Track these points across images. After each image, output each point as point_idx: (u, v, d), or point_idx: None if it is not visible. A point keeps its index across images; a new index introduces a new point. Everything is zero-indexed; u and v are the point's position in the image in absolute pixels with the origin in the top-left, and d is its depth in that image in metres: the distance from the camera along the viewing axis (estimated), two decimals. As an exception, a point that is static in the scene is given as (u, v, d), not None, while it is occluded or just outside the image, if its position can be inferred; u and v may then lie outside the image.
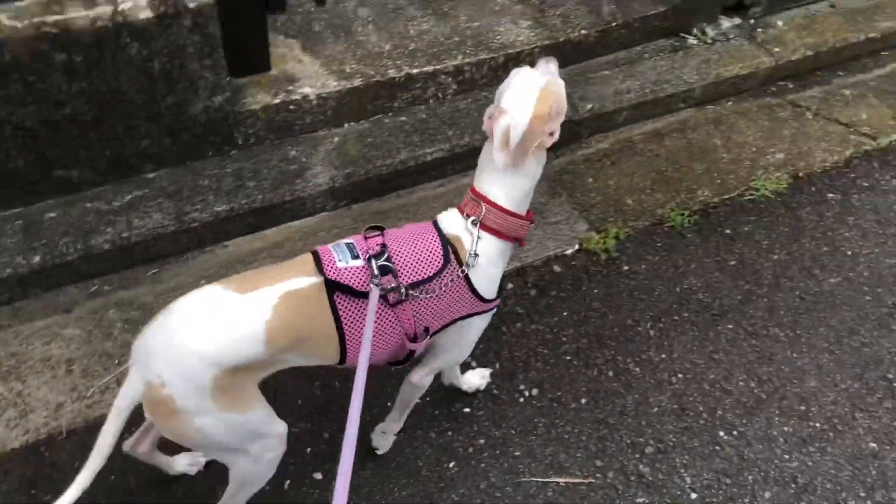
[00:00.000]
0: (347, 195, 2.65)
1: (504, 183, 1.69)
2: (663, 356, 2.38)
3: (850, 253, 2.73)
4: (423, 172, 2.73)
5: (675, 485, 2.10)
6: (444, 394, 2.22)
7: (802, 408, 2.30)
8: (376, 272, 1.59)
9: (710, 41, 3.34)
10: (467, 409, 2.20)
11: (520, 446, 2.14)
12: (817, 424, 2.27)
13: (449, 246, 1.68)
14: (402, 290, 1.60)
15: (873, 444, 2.24)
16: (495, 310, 1.82)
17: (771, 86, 3.39)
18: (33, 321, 2.26)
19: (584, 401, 2.25)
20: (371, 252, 1.62)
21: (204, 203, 2.48)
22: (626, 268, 2.61)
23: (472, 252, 1.67)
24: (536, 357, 2.33)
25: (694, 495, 2.09)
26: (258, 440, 1.62)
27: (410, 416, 2.05)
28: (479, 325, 1.82)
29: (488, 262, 1.71)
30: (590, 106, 2.97)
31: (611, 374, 2.33)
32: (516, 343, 2.36)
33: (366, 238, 1.67)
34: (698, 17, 3.33)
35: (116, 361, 2.21)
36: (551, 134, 1.69)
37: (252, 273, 1.66)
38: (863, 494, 2.13)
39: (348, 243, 1.66)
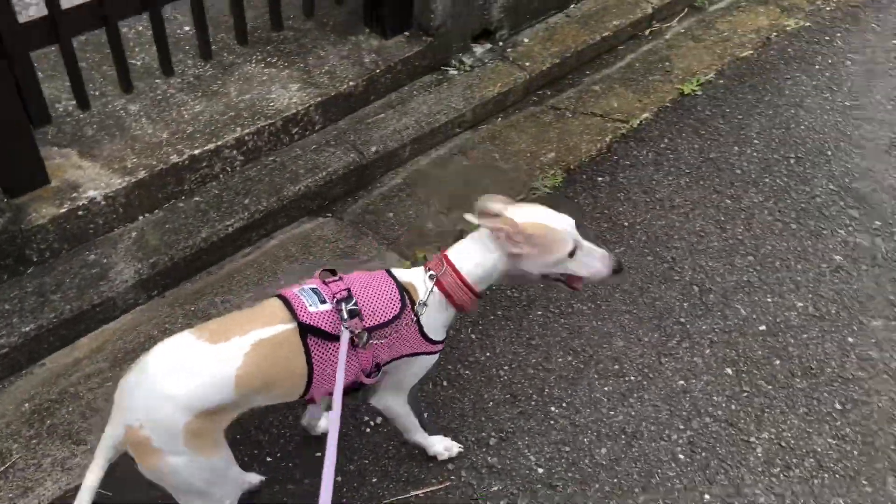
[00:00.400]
0: (157, 284, 2.67)
1: (470, 258, 1.89)
2: (488, 354, 2.57)
3: (626, 224, 3.06)
4: (227, 245, 2.81)
5: (522, 465, 2.28)
6: (293, 445, 2.29)
7: (616, 367, 2.56)
8: (346, 315, 1.74)
9: (469, 69, 3.64)
10: (319, 454, 2.28)
11: (375, 473, 2.24)
12: (632, 377, 2.53)
13: (405, 292, 1.85)
14: (365, 337, 1.76)
15: (682, 382, 2.53)
16: (439, 354, 2.00)
17: (531, 96, 3.73)
18: None
19: (426, 414, 2.38)
20: (339, 296, 1.76)
21: (9, 327, 2.43)
22: (438, 285, 2.79)
23: (423, 301, 1.85)
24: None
25: (541, 470, 2.27)
26: (220, 485, 1.77)
27: (268, 476, 2.12)
28: (425, 362, 1.98)
29: (435, 311, 1.88)
30: (374, 148, 3.16)
31: (445, 383, 2.49)
32: (352, 380, 2.47)
33: (325, 283, 1.80)
34: (453, 49, 3.63)
35: (-53, 510, 2.11)
36: (516, 244, 1.83)
37: (223, 321, 1.78)
38: (682, 427, 2.41)
39: (313, 288, 1.79)
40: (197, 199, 2.87)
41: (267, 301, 1.80)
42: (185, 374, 1.65)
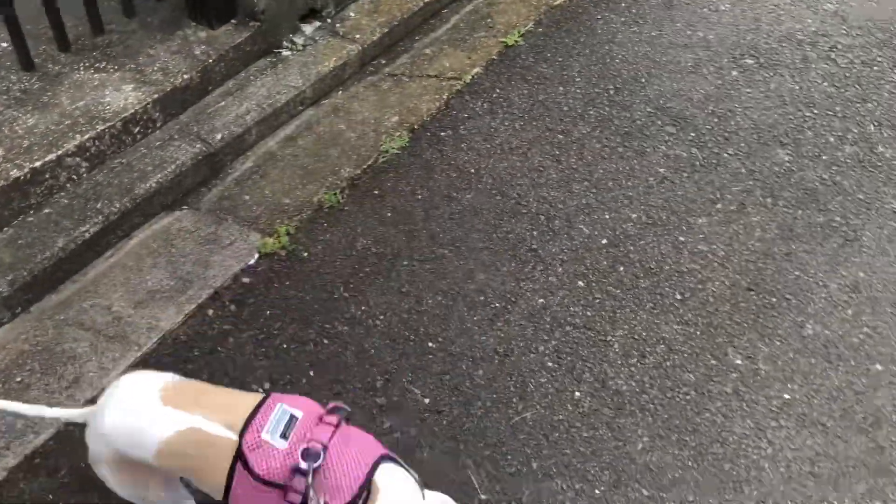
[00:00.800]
0: (20, 301, 2.64)
1: None
2: (363, 308, 2.71)
3: (472, 171, 3.26)
4: (87, 251, 2.80)
5: (409, 399, 2.44)
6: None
7: (482, 298, 2.76)
8: (310, 481, 1.50)
9: (301, 48, 3.73)
10: (214, 427, 2.35)
11: (272, 434, 2.34)
12: (497, 304, 2.74)
13: (366, 491, 1.57)
14: None
15: (541, 300, 2.76)
16: None
17: (368, 66, 3.86)
18: None
19: (311, 373, 2.50)
20: (311, 447, 1.54)
21: None
22: (305, 254, 2.90)
23: None
24: (257, 357, 2.55)
25: (427, 400, 2.45)
26: None
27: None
28: None
29: None
30: (220, 136, 3.21)
31: (326, 341, 2.61)
32: (236, 355, 2.55)
33: (321, 419, 1.61)
34: (283, 31, 3.71)
35: None
36: None
37: (195, 387, 1.78)
38: (546, 338, 2.64)
39: (293, 414, 1.59)
40: (47, 210, 2.84)
41: (252, 395, 1.68)
42: (121, 414, 1.69)
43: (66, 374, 2.47)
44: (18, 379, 2.46)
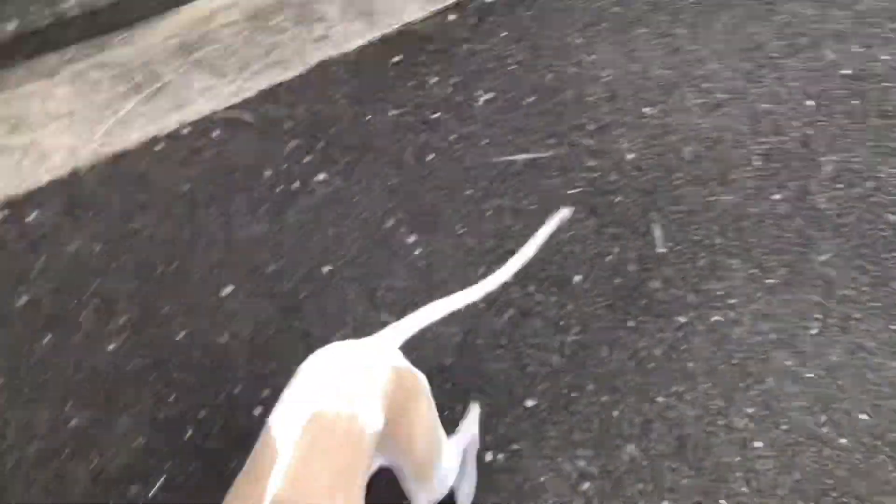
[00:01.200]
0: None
1: None
2: (594, 57, 2.76)
3: (731, -35, 3.13)
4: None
5: (615, 149, 2.53)
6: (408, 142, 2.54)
7: (707, 85, 2.75)
8: None
9: None
10: (436, 114, 2.53)
11: (485, 137, 2.51)
12: (720, 95, 2.72)
13: None
14: None
15: (765, 105, 2.72)
16: None
17: None
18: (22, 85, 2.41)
19: (531, 98, 2.62)
20: None
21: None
22: (547, -7, 2.94)
23: None
24: (486, 69, 2.67)
25: (631, 156, 2.53)
26: None
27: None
28: None
29: None
30: None
31: (550, 76, 2.69)
32: (466, 60, 2.69)
33: None
34: None
35: (110, 110, 2.40)
36: None
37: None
38: (761, 140, 2.63)
39: None
40: None
41: None
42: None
43: (315, 30, 2.67)
44: (273, 22, 2.68)
